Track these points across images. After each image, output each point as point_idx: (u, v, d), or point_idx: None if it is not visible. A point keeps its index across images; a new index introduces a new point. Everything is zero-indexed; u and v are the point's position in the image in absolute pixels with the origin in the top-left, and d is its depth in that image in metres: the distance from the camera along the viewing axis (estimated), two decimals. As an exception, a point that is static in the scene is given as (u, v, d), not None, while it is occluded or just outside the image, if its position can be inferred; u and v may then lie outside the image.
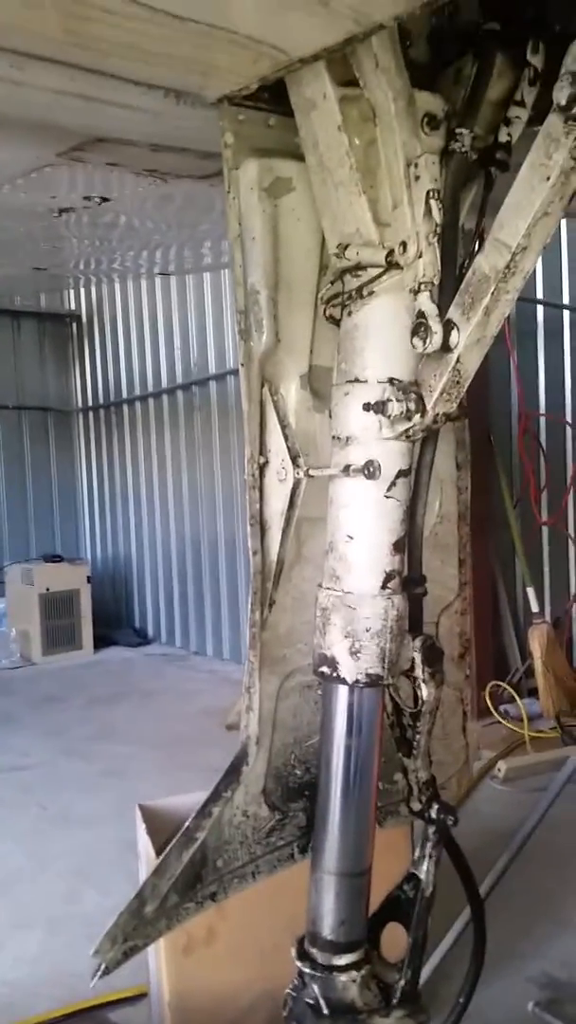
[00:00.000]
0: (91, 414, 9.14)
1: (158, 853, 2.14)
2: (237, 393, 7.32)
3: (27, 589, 7.62)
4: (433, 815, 1.56)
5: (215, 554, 7.31)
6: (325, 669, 1.44)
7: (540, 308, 5.81)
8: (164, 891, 1.44)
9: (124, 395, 8.51)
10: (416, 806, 1.58)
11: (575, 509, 5.81)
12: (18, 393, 8.89)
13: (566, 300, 5.85)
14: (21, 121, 1.51)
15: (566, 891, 3.16)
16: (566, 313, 5.86)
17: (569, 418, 5.85)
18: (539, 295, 5.74)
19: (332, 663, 1.42)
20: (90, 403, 9.13)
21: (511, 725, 4.70)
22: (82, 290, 8.90)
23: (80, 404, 9.29)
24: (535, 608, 5.30)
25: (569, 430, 5.83)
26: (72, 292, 9.06)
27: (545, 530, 5.78)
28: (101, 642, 7.88)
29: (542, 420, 5.79)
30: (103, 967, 1.40)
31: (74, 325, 9.27)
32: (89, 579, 7.82)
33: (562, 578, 5.89)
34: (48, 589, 7.58)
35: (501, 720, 4.76)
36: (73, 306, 9.24)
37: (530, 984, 2.57)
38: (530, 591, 5.35)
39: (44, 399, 9.11)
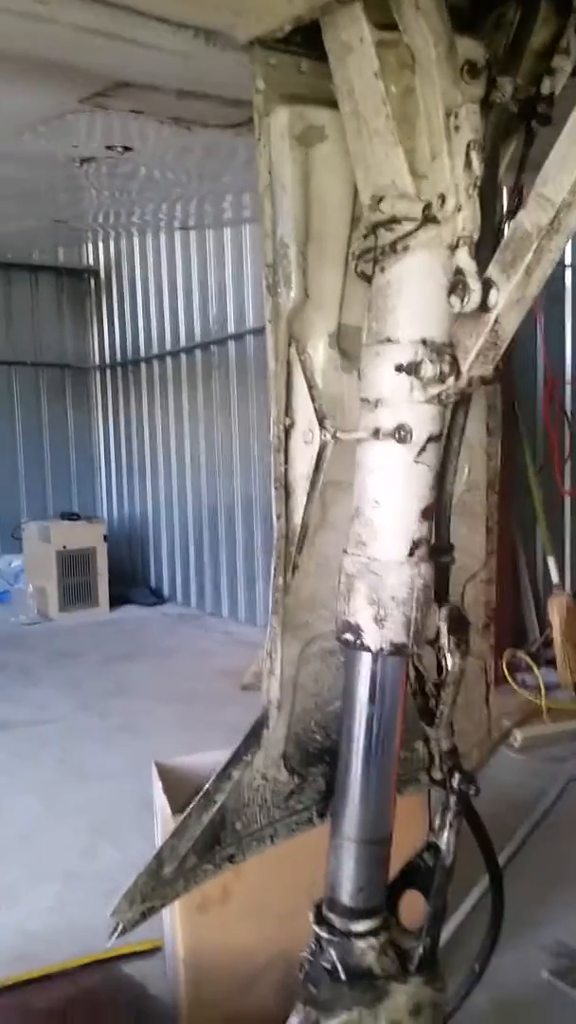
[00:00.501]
0: (108, 372, 9.10)
1: (174, 811, 2.15)
2: (256, 353, 7.26)
3: (44, 546, 7.65)
4: (454, 784, 1.55)
5: (232, 515, 7.30)
6: (349, 636, 1.41)
7: (568, 272, 5.67)
8: (183, 852, 1.44)
9: (142, 353, 8.45)
10: (437, 775, 1.57)
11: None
12: (36, 349, 8.85)
13: (594, 263, 5.71)
14: (43, 62, 1.45)
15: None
16: (594, 276, 5.72)
17: (595, 385, 5.74)
18: (567, 259, 5.61)
19: (356, 630, 1.40)
20: (108, 360, 9.08)
21: (528, 694, 4.69)
22: (100, 244, 8.79)
23: (98, 361, 9.24)
24: (555, 578, 5.27)
25: (595, 397, 5.73)
26: (90, 246, 8.96)
27: (568, 499, 5.72)
28: (117, 600, 7.93)
29: (568, 388, 5.69)
30: (120, 927, 1.40)
31: (92, 280, 9.18)
32: (106, 537, 7.85)
33: (583, 548, 5.83)
34: (65, 547, 7.61)
35: (518, 689, 4.75)
36: (91, 261, 9.15)
37: (544, 952, 2.58)
38: (550, 560, 5.31)
39: (62, 355, 9.07)
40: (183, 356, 7.82)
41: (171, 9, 1.18)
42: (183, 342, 7.77)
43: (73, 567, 7.65)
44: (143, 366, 8.48)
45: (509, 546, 5.28)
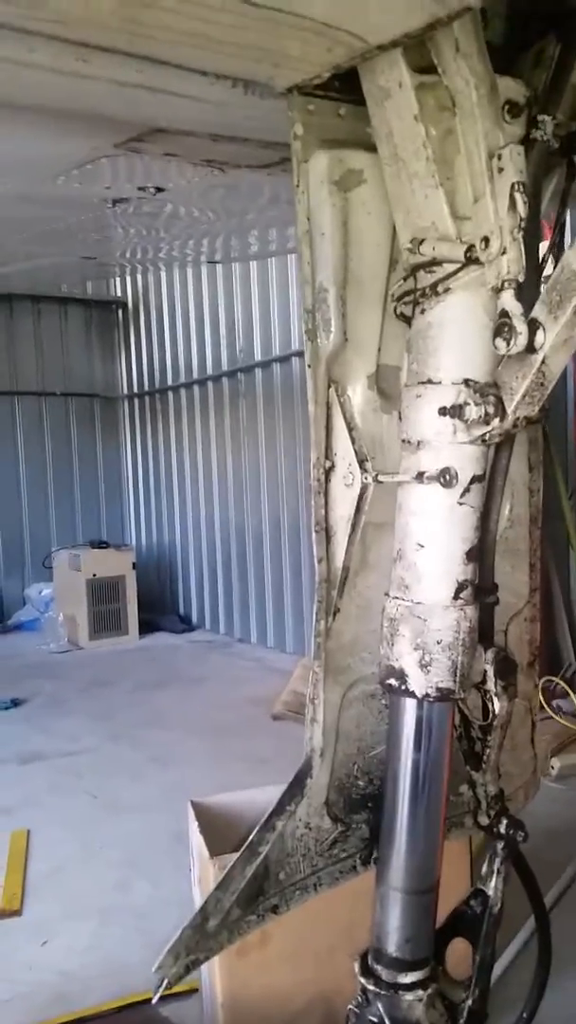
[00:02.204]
0: (137, 401, 9.16)
1: (212, 853, 2.13)
2: (282, 380, 7.22)
3: (74, 575, 7.69)
4: (502, 830, 1.52)
5: (260, 541, 7.29)
6: (393, 681, 1.39)
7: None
8: (227, 906, 1.41)
9: (169, 382, 8.51)
10: (484, 820, 1.54)
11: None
12: (65, 380, 8.94)
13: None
14: (82, 113, 1.46)
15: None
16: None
17: (626, 406, 5.68)
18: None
19: (400, 675, 1.37)
20: (136, 390, 9.15)
21: (564, 721, 4.61)
22: (128, 277, 8.89)
23: (126, 391, 9.31)
24: (588, 602, 5.19)
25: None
26: (118, 279, 9.06)
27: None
28: (146, 628, 7.93)
29: (598, 408, 5.63)
30: (166, 982, 1.38)
31: (120, 312, 9.28)
32: (135, 565, 7.87)
33: (616, 571, 5.74)
34: (95, 575, 7.63)
35: (554, 716, 4.67)
36: (119, 293, 9.25)
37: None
38: (584, 584, 5.24)
39: (91, 386, 9.15)
40: (210, 384, 7.86)
41: (210, 62, 1.19)
42: (210, 370, 7.81)
43: (103, 595, 7.67)
44: (171, 395, 8.53)
45: (543, 572, 5.21)
